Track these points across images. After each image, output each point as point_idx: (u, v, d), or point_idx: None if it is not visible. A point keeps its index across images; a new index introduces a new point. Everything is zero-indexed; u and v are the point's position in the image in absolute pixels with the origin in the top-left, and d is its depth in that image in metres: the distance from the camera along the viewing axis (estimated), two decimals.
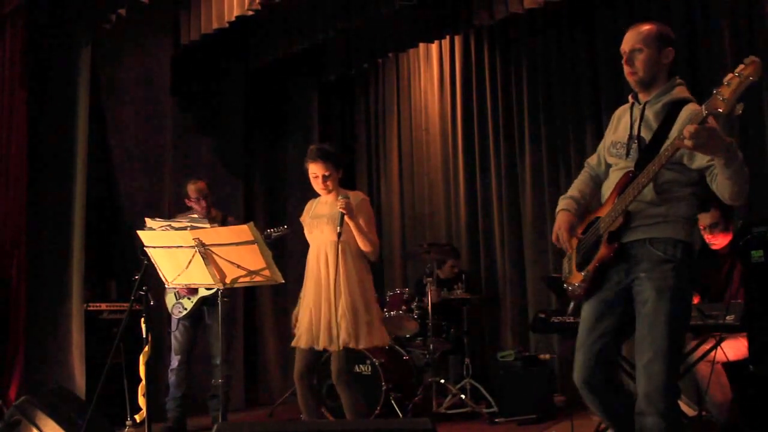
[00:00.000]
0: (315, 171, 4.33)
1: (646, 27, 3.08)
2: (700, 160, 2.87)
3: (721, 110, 2.60)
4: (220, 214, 5.94)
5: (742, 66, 2.61)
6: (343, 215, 4.18)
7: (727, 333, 4.05)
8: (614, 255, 3.00)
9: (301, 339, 4.31)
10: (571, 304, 3.23)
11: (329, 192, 4.38)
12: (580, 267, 3.14)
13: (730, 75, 2.59)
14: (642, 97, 3.11)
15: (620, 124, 3.22)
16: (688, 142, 2.63)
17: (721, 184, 2.80)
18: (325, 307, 4.23)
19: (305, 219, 4.47)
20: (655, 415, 2.84)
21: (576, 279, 3.15)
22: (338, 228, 4.17)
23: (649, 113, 3.05)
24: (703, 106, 2.65)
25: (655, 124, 3.01)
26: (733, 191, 2.79)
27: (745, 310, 3.86)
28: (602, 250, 3.03)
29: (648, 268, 2.95)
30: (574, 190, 3.40)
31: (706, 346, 4.20)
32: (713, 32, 5.93)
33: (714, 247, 4.70)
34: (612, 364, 3.13)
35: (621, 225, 2.99)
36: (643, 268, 2.96)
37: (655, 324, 2.89)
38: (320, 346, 4.22)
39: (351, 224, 4.24)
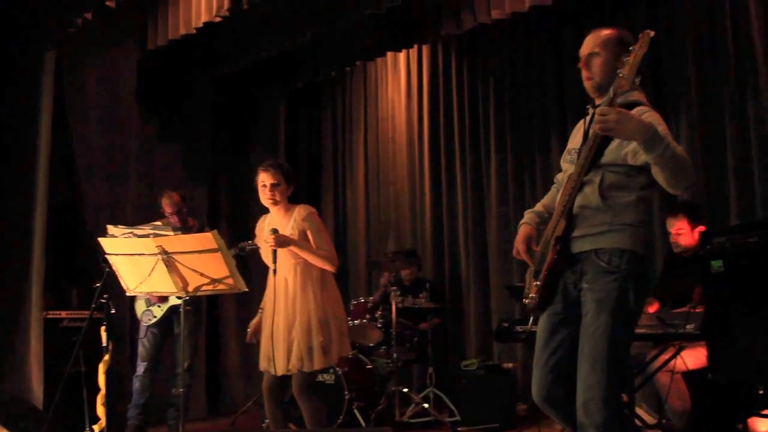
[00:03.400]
0: (264, 179, 4.31)
1: (605, 31, 3.06)
2: (644, 156, 2.77)
3: (624, 87, 2.69)
4: (197, 223, 5.91)
5: (637, 43, 2.70)
6: (275, 251, 4.14)
7: (686, 342, 4.10)
8: (560, 259, 2.94)
9: (265, 364, 4.30)
10: (531, 319, 3.17)
11: (275, 204, 4.34)
12: (536, 278, 3.07)
13: (629, 54, 2.70)
14: (597, 102, 3.06)
15: (577, 133, 3.19)
16: (596, 125, 2.67)
17: (654, 172, 2.76)
18: (284, 334, 4.21)
19: (260, 242, 4.44)
20: (592, 427, 2.79)
21: (533, 290, 3.07)
22: (273, 265, 4.13)
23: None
24: (611, 89, 2.72)
25: None
26: (666, 177, 2.73)
27: (704, 319, 3.91)
28: (549, 257, 2.97)
29: (591, 279, 2.90)
30: (539, 205, 3.38)
31: (666, 355, 4.25)
32: (677, 44, 6.02)
33: (676, 249, 4.78)
34: (571, 377, 2.95)
35: (565, 228, 2.93)
36: (587, 280, 2.91)
37: (594, 336, 2.83)
38: (278, 372, 4.20)
39: (296, 250, 4.22)
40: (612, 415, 2.78)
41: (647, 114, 2.85)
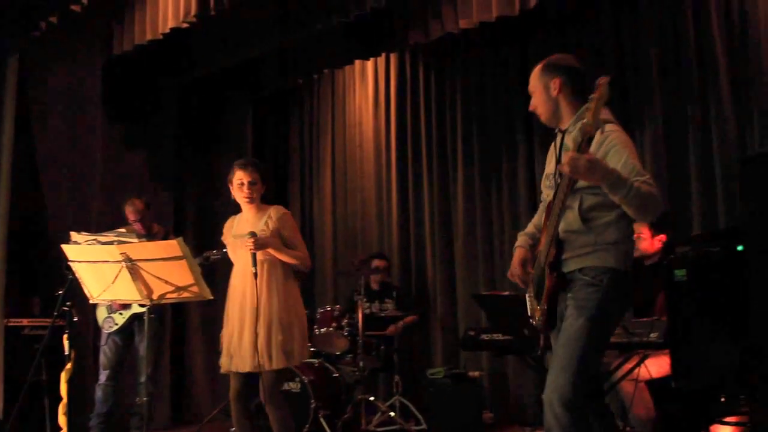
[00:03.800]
0: (241, 177, 4.31)
1: (535, 68, 3.26)
2: None
3: (590, 133, 2.79)
4: (163, 229, 5.85)
5: (596, 91, 2.77)
6: (255, 254, 4.14)
7: (650, 350, 4.14)
8: (558, 284, 3.05)
9: (226, 363, 4.26)
10: (541, 339, 3.27)
11: (251, 202, 4.34)
12: (538, 300, 3.18)
13: (590, 101, 2.78)
14: (561, 126, 3.19)
15: (551, 158, 3.27)
16: (565, 169, 2.79)
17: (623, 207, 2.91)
18: (248, 329, 4.18)
19: (227, 238, 4.43)
20: (558, 427, 2.90)
21: (537, 312, 3.18)
22: (253, 269, 4.13)
23: (568, 140, 3.09)
24: (578, 133, 2.84)
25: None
26: (632, 212, 2.89)
27: (667, 328, 3.95)
28: (547, 283, 3.07)
29: (575, 291, 3.02)
30: (530, 226, 3.47)
31: (631, 364, 4.29)
32: (642, 56, 6.10)
33: (635, 253, 4.84)
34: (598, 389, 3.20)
35: (555, 255, 3.04)
36: (572, 292, 3.03)
37: (569, 339, 2.96)
38: (244, 369, 4.17)
39: (273, 251, 4.23)
40: (577, 416, 2.89)
41: (615, 134, 2.99)
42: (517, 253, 3.34)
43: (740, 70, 5.57)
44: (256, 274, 4.14)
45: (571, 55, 3.31)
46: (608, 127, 2.99)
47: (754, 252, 3.49)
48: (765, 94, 5.33)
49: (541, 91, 3.21)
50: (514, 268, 3.31)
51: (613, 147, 2.94)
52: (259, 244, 4.15)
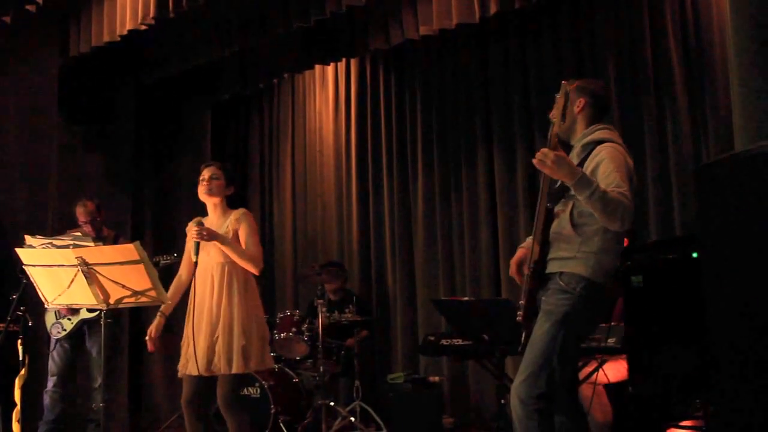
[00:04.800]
0: (204, 174, 4.32)
1: (568, 84, 3.45)
2: None
3: (556, 129, 3.18)
4: (113, 233, 5.77)
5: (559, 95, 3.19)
6: (198, 243, 4.12)
7: (608, 355, 4.19)
8: (534, 281, 3.24)
9: (183, 366, 4.21)
10: (523, 334, 3.39)
11: (211, 195, 4.31)
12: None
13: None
14: (572, 141, 3.44)
15: None
16: (534, 161, 3.05)
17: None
18: (206, 332, 4.15)
19: (189, 241, 4.38)
20: (516, 420, 3.17)
21: (520, 308, 3.32)
22: (194, 257, 4.12)
23: (573, 154, 3.35)
24: (549, 132, 3.18)
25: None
26: (598, 215, 3.07)
27: (625, 333, 4.00)
28: (527, 280, 3.27)
29: (548, 294, 3.21)
30: None
31: (589, 368, 4.33)
32: (599, 64, 6.18)
33: None
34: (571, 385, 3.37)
35: (539, 253, 3.22)
36: (546, 295, 3.21)
37: (533, 342, 3.18)
38: (198, 371, 4.11)
39: (220, 246, 4.18)
40: (532, 412, 3.12)
41: (607, 150, 3.24)
42: (518, 252, 3.55)
43: (695, 79, 5.68)
44: (196, 263, 4.13)
45: (602, 83, 3.69)
46: (606, 143, 3.27)
47: (709, 259, 3.54)
48: (719, 103, 5.43)
49: (566, 102, 3.38)
50: (511, 266, 3.53)
51: (603, 160, 3.18)
52: (204, 233, 4.11)
